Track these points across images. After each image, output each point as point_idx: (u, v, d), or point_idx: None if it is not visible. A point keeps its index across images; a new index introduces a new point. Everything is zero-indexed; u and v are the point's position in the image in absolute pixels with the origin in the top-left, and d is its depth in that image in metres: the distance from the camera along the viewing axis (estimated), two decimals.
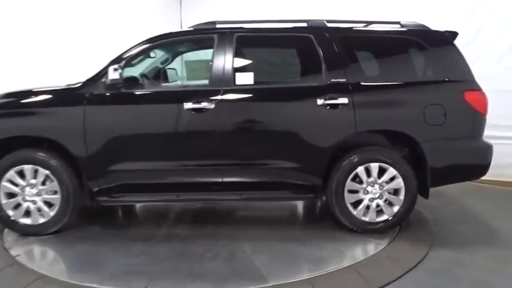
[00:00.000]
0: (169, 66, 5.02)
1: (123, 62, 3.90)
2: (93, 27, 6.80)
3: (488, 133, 4.03)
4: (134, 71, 4.42)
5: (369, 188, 3.94)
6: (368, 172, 3.92)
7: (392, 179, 3.93)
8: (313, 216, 4.79)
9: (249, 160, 3.96)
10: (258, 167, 3.94)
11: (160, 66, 5.00)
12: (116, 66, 3.74)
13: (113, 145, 3.88)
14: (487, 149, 3.96)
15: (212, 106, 3.84)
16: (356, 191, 3.96)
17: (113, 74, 3.73)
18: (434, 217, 4.47)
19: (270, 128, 3.91)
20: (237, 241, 3.84)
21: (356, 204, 3.98)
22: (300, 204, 4.90)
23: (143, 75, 4.43)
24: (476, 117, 3.90)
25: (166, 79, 4.71)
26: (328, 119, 3.87)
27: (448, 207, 4.89)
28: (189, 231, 4.09)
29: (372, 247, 3.77)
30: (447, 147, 3.89)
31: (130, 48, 4.03)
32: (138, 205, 4.90)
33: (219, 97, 3.86)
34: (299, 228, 4.26)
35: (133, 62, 4.16)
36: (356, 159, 3.89)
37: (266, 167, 3.94)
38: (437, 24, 4.32)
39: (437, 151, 3.88)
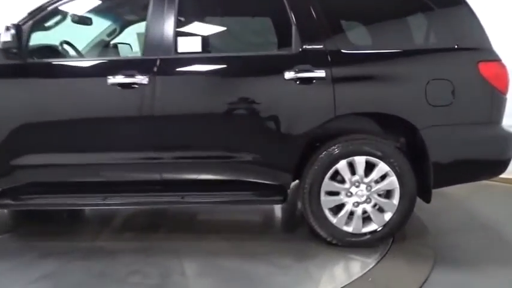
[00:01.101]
0: (124, 40, 4.17)
1: (28, 22, 2.96)
2: None
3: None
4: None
5: (353, 189, 3.01)
6: (352, 168, 3.00)
7: (383, 177, 3.00)
8: (285, 224, 3.82)
9: (195, 152, 3.02)
10: (206, 161, 3.02)
11: (107, 38, 4.11)
12: (10, 24, 2.78)
13: (15, 133, 2.95)
14: (508, 139, 3.03)
15: (145, 81, 2.90)
16: (336, 193, 3.04)
17: (4, 36, 2.78)
18: (435, 225, 3.54)
19: (222, 110, 2.97)
20: (177, 258, 2.91)
21: (336, 209, 3.06)
22: (275, 210, 3.93)
23: (65, 43, 3.50)
24: (495, 97, 2.94)
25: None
26: (299, 98, 2.93)
27: (453, 212, 3.95)
28: (120, 244, 3.16)
29: (355, 268, 2.85)
30: (456, 136, 2.94)
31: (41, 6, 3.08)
32: None
33: (154, 69, 2.92)
34: (262, 241, 3.27)
35: (50, 24, 3.23)
36: (336, 151, 2.96)
37: (218, 161, 3.01)
38: None
39: (443, 141, 2.94)
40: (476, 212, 4.01)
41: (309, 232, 3.17)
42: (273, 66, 2.97)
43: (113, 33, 4.13)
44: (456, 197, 4.21)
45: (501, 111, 3.01)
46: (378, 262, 2.89)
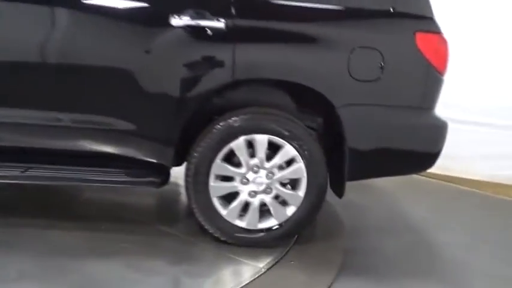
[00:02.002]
0: None
1: None
2: None
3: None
4: None
5: (250, 175, 2.41)
6: (251, 149, 2.41)
7: (289, 163, 2.44)
8: (171, 213, 3.06)
9: (54, 113, 2.32)
10: (60, 127, 2.32)
11: None
12: None
13: None
14: (441, 129, 2.52)
15: None
16: (229, 179, 2.44)
17: None
18: (354, 224, 3.03)
19: (83, 61, 2.26)
20: (6, 252, 2.22)
21: (228, 199, 2.47)
22: (164, 194, 3.08)
23: None
24: (430, 76, 2.41)
25: None
26: (187, 52, 2.28)
27: (376, 209, 3.47)
28: None
29: (239, 276, 2.26)
30: (380, 120, 2.40)
31: None
32: None
33: None
34: (131, 234, 2.52)
35: None
36: (231, 126, 2.34)
37: (73, 126, 2.32)
38: None
39: (364, 124, 2.38)
40: (402, 210, 3.54)
41: (195, 225, 2.54)
42: (156, 9, 2.28)
43: None
44: (382, 192, 3.73)
45: (436, 95, 2.48)
46: (271, 268, 2.31)
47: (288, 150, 2.38)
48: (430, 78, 2.41)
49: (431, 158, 2.56)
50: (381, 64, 2.33)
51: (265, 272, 2.27)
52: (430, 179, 4.09)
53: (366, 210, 3.40)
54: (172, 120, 2.32)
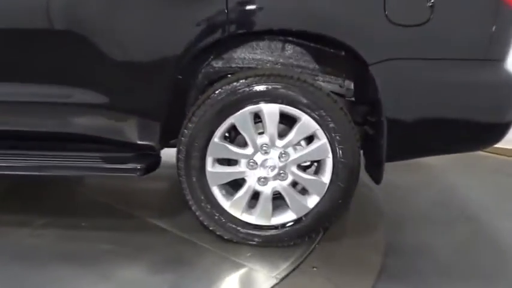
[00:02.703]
0: None
1: None
2: None
3: None
4: None
5: (259, 157, 1.87)
6: (258, 123, 1.86)
7: (309, 140, 1.88)
8: (165, 204, 2.51)
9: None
10: (15, 104, 1.85)
11: None
12: None
13: None
14: None
15: None
16: (232, 162, 1.92)
17: None
18: (396, 213, 2.44)
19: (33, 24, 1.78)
20: None
21: (233, 187, 1.95)
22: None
23: None
24: (502, 14, 1.74)
25: None
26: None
27: (425, 192, 2.83)
28: None
29: (245, 287, 1.75)
30: (429, 79, 1.77)
31: None
32: None
33: None
34: (113, 230, 2.06)
35: None
36: (235, 95, 1.80)
37: (32, 101, 1.85)
38: None
39: (407, 85, 1.77)
40: (458, 195, 2.88)
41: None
42: None
43: None
44: (431, 172, 3.07)
45: (508, 42, 1.83)
46: (286, 276, 1.78)
47: (307, 123, 1.81)
48: (501, 18, 1.75)
49: (499, 129, 1.90)
50: (431, 2, 1.70)
51: (279, 282, 1.75)
52: (493, 155, 3.38)
53: (412, 196, 2.76)
54: (151, 89, 1.80)
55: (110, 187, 2.51)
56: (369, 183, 2.29)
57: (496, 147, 2.42)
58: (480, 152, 3.08)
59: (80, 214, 2.19)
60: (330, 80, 1.99)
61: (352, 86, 2.03)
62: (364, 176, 1.99)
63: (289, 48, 1.95)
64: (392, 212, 2.45)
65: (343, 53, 1.92)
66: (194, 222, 2.01)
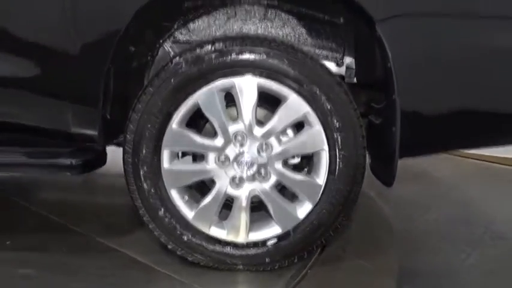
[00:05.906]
0: None
1: None
2: None
3: None
4: None
5: (231, 150, 1.41)
6: (232, 104, 1.42)
7: (299, 127, 1.44)
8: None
9: None
10: None
11: None
12: None
13: None
14: None
15: None
16: (199, 158, 1.47)
17: None
18: (406, 228, 1.97)
19: None
20: None
21: (200, 191, 1.49)
22: None
23: None
24: None
25: None
26: None
27: (438, 207, 2.35)
28: None
29: None
30: (454, 45, 1.36)
31: None
32: None
33: None
34: (53, 253, 1.58)
35: None
36: (199, 65, 1.34)
37: None
38: None
39: (426, 51, 1.34)
40: (482, 211, 2.41)
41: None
42: None
43: None
44: (445, 184, 2.63)
45: None
46: None
47: (295, 104, 1.36)
48: None
49: None
50: None
51: None
52: (509, 167, 2.94)
53: (423, 211, 2.30)
54: (77, 65, 1.35)
55: (48, 195, 2.02)
56: (369, 192, 1.87)
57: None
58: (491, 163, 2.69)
59: (6, 229, 1.70)
60: (325, 55, 1.57)
61: (353, 64, 1.61)
62: (363, 182, 1.55)
63: (272, 14, 1.54)
64: (403, 228, 1.99)
65: (341, 20, 1.51)
66: (149, 240, 1.54)
